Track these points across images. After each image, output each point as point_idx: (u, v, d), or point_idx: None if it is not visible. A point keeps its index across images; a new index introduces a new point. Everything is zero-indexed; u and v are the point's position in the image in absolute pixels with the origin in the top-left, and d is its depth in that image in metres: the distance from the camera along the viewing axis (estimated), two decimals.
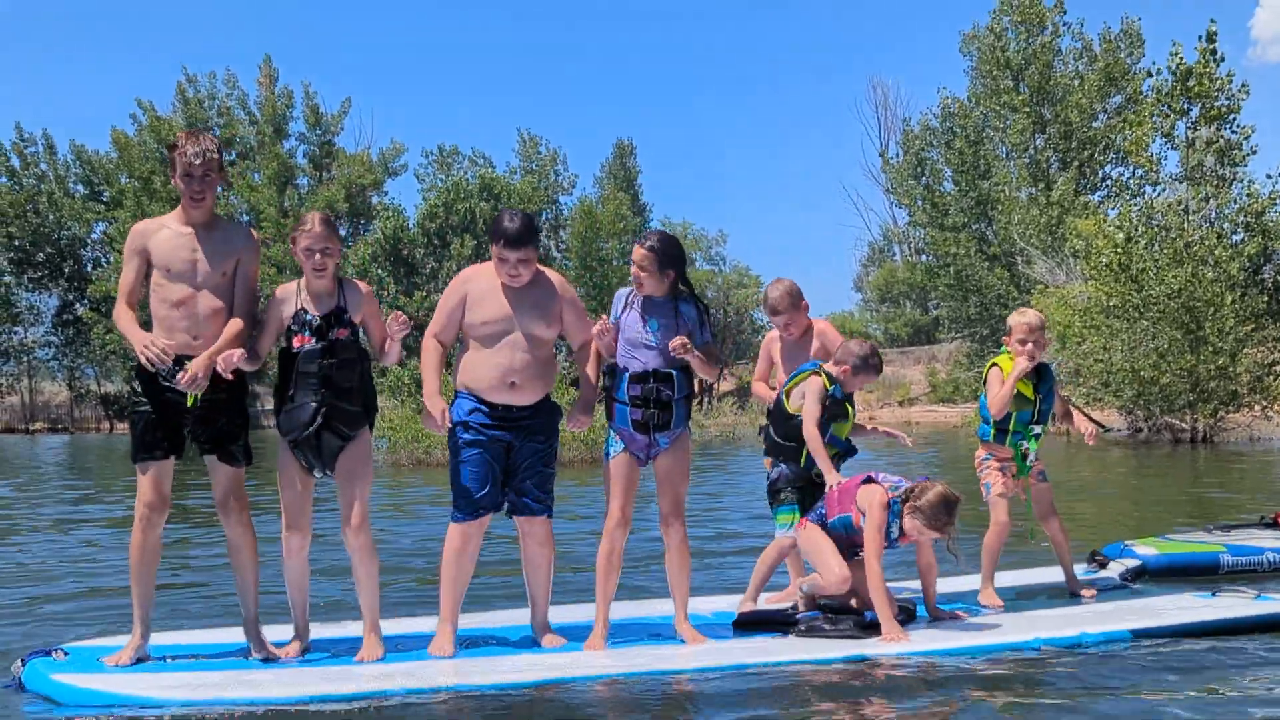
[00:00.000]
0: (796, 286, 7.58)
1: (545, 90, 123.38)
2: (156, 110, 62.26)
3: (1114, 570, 8.57)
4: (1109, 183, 47.70)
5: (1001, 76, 48.43)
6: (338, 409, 6.21)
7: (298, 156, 64.59)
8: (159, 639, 6.35)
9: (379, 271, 57.85)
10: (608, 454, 6.62)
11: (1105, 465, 22.68)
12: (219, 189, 6.34)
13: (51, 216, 63.30)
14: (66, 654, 6.14)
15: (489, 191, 61.26)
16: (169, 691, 5.56)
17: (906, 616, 6.84)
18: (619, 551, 6.60)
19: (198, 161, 6.08)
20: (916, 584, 7.23)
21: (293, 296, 6.33)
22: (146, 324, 6.14)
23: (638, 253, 6.56)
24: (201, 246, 6.14)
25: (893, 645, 6.33)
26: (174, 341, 6.00)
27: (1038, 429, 7.86)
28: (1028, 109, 47.44)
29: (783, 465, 7.37)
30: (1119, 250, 29.91)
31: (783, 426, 7.37)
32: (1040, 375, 7.84)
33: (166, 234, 6.18)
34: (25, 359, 68.28)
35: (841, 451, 7.43)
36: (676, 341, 6.36)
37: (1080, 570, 8.35)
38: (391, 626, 6.68)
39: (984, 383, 7.98)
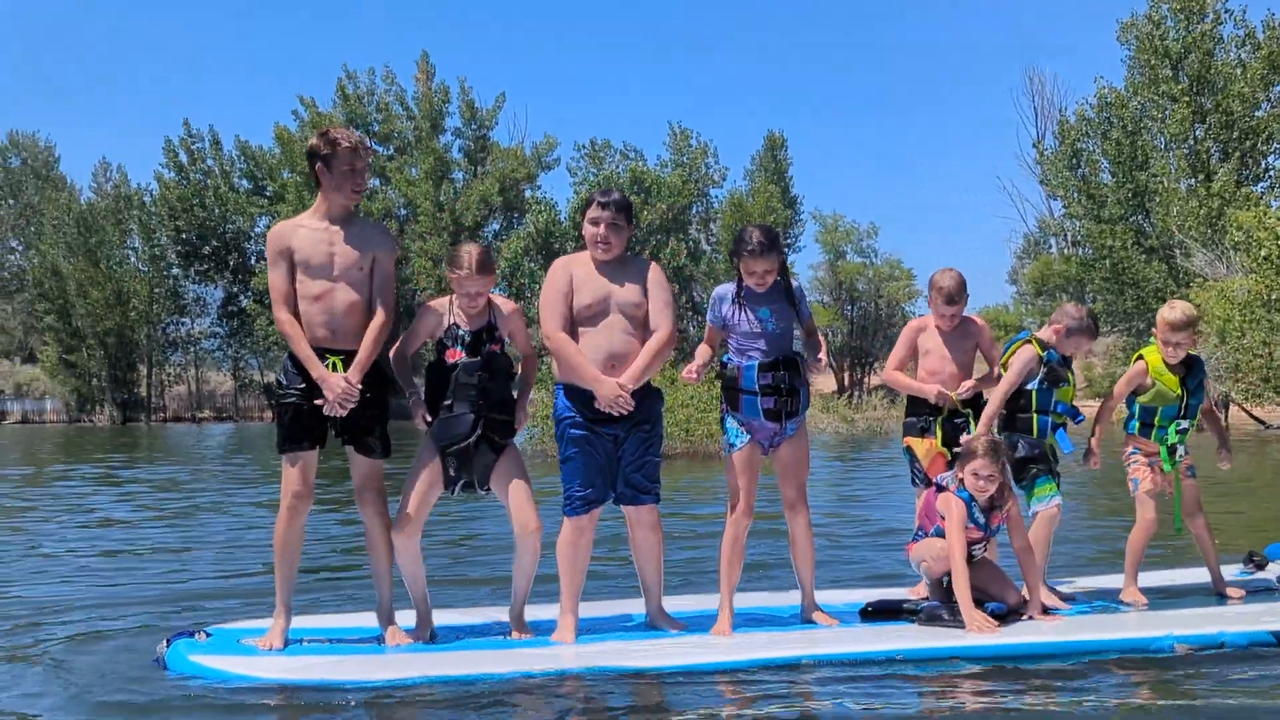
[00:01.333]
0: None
1: (696, 83, 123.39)
2: (318, 106, 63.98)
3: (1272, 572, 8.15)
4: (1272, 174, 46.42)
5: (1160, 65, 47.33)
6: (492, 420, 6.44)
7: (453, 151, 65.72)
8: (296, 622, 6.51)
9: (530, 264, 58.57)
10: (733, 445, 6.63)
11: (1265, 462, 22.20)
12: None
13: (217, 211, 65.40)
14: (209, 635, 6.39)
15: (639, 185, 61.59)
16: (302, 673, 5.79)
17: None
18: (743, 540, 6.65)
19: (367, 156, 6.43)
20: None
21: (445, 312, 6.56)
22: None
23: (758, 261, 6.52)
24: (339, 242, 6.33)
25: (981, 636, 6.35)
26: (317, 333, 6.25)
27: (1185, 424, 7.63)
28: (1187, 98, 46.30)
29: (1018, 438, 7.40)
30: None
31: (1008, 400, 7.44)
32: (1190, 369, 7.61)
33: (305, 232, 6.34)
34: (192, 349, 70.67)
35: (1067, 417, 7.49)
36: (823, 357, 6.58)
37: (1235, 571, 8.09)
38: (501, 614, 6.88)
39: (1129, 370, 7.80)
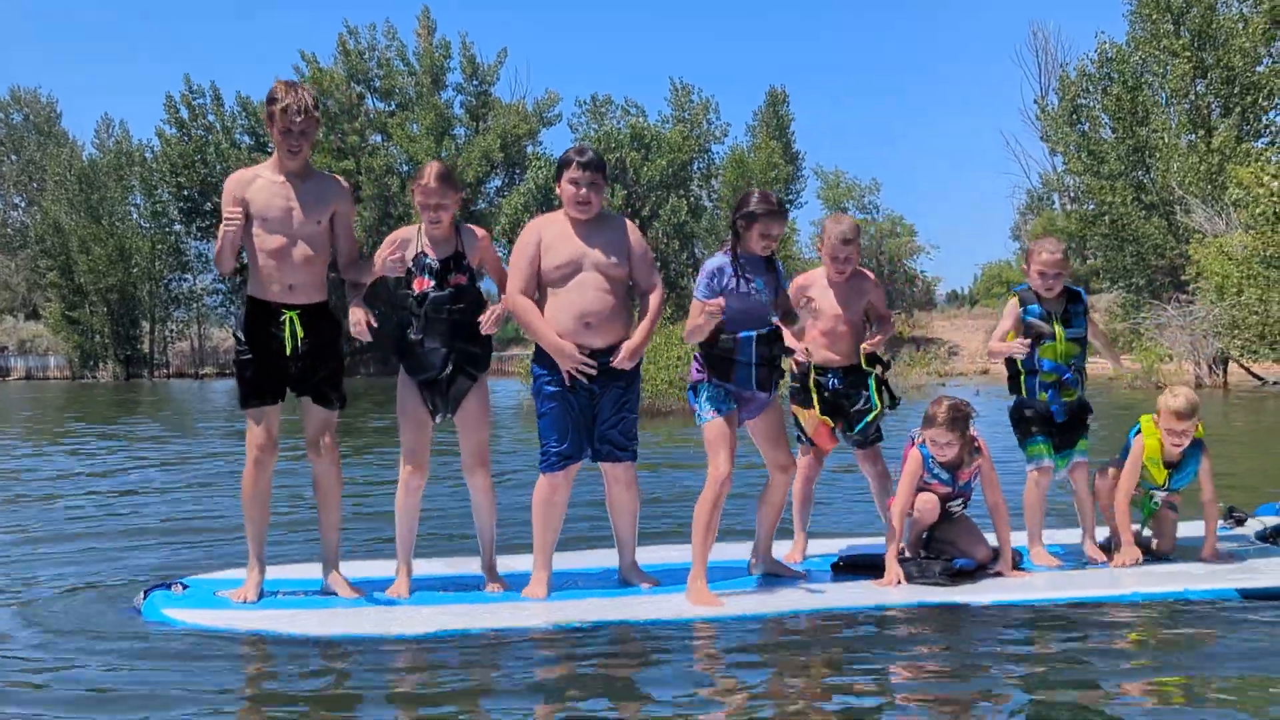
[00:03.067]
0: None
1: (698, 38, 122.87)
2: (319, 62, 63.65)
3: (1251, 529, 8.13)
4: (1272, 129, 46.17)
5: (1161, 20, 47.00)
6: (466, 352, 6.52)
7: (455, 107, 65.42)
8: (270, 574, 6.67)
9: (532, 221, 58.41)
10: (720, 411, 6.55)
11: (1263, 419, 22.22)
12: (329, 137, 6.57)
13: (219, 167, 64.94)
14: (186, 587, 6.53)
15: (639, 141, 61.44)
16: (274, 626, 5.91)
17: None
18: (722, 505, 6.55)
19: (299, 118, 6.32)
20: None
21: (414, 239, 6.60)
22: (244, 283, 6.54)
23: (775, 224, 6.58)
24: (296, 197, 6.35)
25: (889, 589, 6.60)
26: (271, 289, 6.33)
27: (1163, 494, 7.46)
28: (1188, 53, 46.04)
29: (1021, 402, 7.46)
30: (1277, 199, 29.11)
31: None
32: (1179, 466, 7.36)
33: (262, 183, 6.37)
34: (195, 306, 70.42)
35: (1060, 379, 7.32)
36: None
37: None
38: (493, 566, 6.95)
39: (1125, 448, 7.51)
